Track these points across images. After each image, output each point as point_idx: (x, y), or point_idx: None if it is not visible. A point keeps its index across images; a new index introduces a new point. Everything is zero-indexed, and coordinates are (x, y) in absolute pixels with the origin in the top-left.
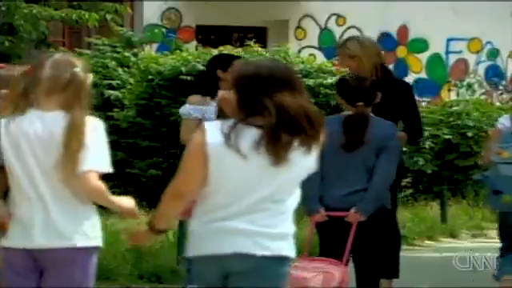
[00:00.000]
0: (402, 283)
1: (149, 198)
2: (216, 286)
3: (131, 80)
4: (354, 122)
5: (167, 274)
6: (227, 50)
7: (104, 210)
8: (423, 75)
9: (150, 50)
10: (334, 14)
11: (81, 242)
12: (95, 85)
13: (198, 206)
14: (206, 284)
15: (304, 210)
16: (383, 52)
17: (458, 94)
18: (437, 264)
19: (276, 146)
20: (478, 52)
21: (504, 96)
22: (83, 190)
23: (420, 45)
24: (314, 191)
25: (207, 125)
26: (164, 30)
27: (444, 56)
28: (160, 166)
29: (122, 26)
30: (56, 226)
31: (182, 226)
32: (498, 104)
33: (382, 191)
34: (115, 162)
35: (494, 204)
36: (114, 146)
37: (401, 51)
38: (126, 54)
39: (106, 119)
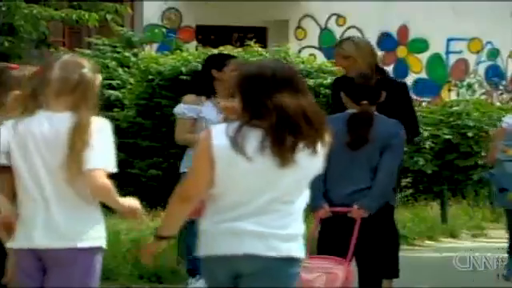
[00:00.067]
0: (402, 283)
1: (149, 198)
2: (226, 286)
3: (131, 80)
4: (359, 120)
5: (167, 273)
6: (227, 50)
7: (105, 210)
8: (423, 75)
9: (150, 50)
10: (334, 14)
11: (82, 243)
12: None
13: (209, 207)
14: (216, 284)
15: (309, 207)
16: (383, 52)
17: (458, 94)
18: (437, 264)
19: (280, 147)
20: (478, 52)
21: (504, 96)
22: (90, 188)
23: (420, 45)
24: (318, 188)
25: (213, 128)
26: (164, 30)
27: (444, 56)
28: (160, 166)
29: (122, 26)
30: (58, 227)
31: (184, 227)
32: (498, 104)
33: (386, 188)
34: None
35: (500, 201)
36: (114, 145)
37: (401, 51)
38: (126, 54)
39: (106, 119)
